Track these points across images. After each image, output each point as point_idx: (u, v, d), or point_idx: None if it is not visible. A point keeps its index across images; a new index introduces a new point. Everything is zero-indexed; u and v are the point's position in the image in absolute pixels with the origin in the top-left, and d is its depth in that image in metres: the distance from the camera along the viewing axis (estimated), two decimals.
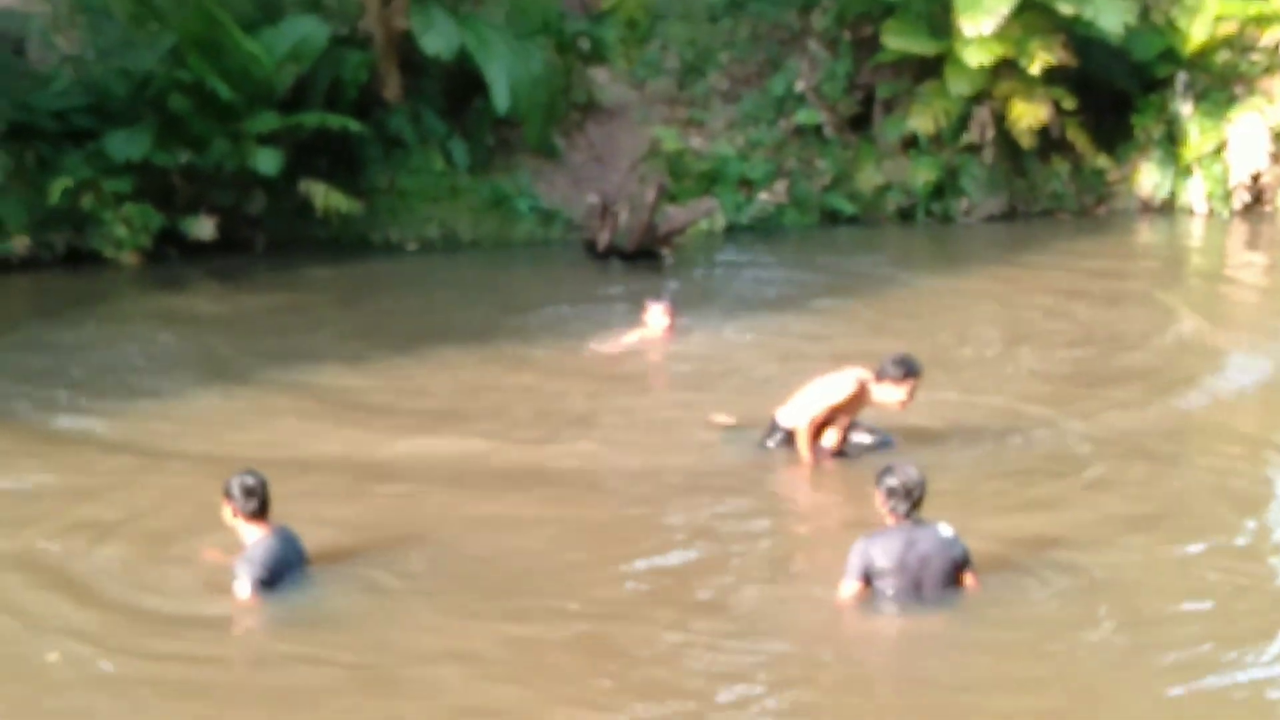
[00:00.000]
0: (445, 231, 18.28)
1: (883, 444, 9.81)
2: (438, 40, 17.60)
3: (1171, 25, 19.92)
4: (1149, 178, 20.17)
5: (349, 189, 17.67)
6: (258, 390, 11.72)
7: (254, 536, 7.67)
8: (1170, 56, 19.95)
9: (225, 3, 17.03)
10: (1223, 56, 20.07)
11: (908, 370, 9.35)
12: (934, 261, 17.98)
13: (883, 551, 7.42)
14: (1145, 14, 19.82)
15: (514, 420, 10.84)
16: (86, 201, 16.32)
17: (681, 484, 9.44)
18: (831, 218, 19.67)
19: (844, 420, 9.68)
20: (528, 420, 10.85)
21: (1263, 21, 19.81)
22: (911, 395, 9.41)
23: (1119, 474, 9.64)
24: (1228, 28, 19.82)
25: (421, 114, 18.56)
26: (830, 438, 9.70)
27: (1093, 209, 20.48)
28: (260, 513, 7.68)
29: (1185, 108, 19.84)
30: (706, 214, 18.30)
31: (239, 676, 7.01)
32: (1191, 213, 20.02)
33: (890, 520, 7.55)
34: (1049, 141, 19.84)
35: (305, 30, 17.50)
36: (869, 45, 20.17)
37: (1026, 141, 19.38)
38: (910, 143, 19.85)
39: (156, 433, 10.57)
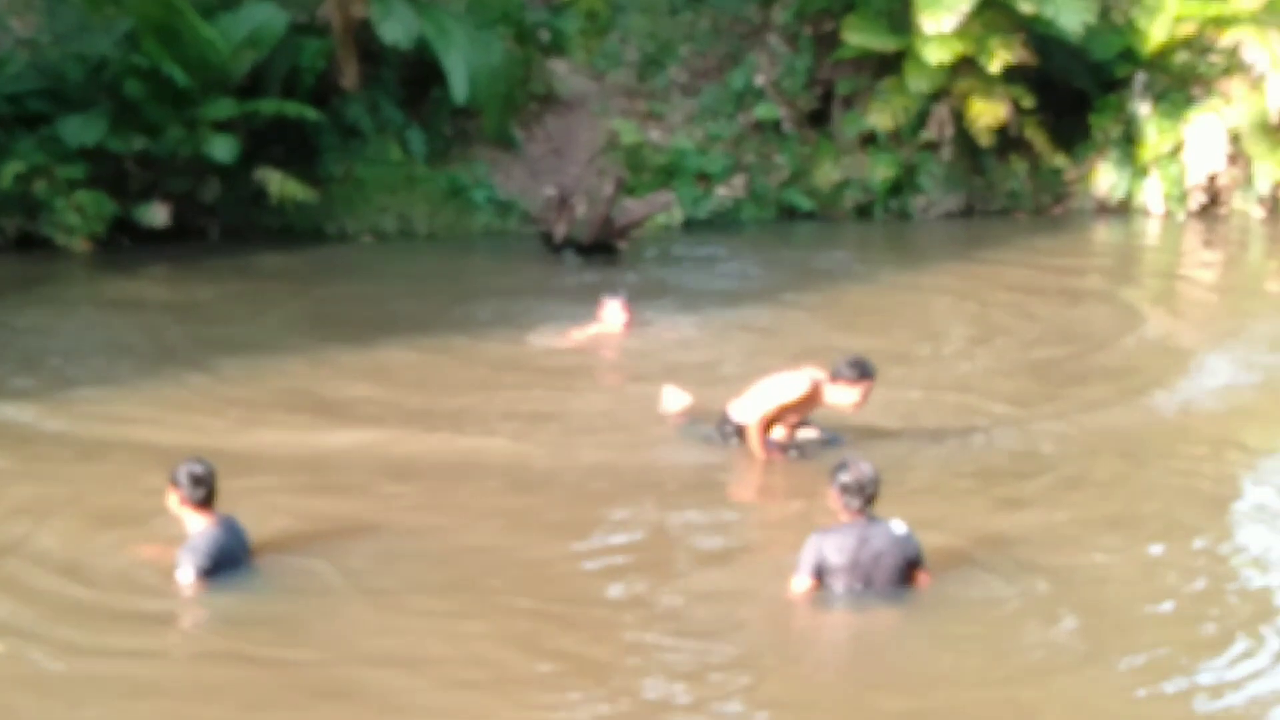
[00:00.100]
0: (401, 222, 18.13)
1: (831, 441, 9.75)
2: (396, 29, 17.46)
3: (1131, 25, 19.96)
4: (1106, 177, 20.20)
5: (305, 178, 17.50)
6: (204, 378, 11.58)
7: (199, 525, 7.61)
8: (1129, 56, 19.99)
9: None
10: (1181, 57, 20.12)
11: (862, 372, 9.30)
12: (892, 257, 17.97)
13: (836, 548, 7.38)
14: (1105, 14, 19.84)
15: (465, 413, 10.75)
16: (39, 188, 16.11)
17: (634, 479, 9.37)
18: (789, 213, 19.63)
19: (793, 418, 9.63)
20: (480, 413, 10.76)
21: (1221, 23, 19.86)
22: (865, 397, 9.36)
23: (1084, 473, 9.62)
24: (1187, 29, 19.87)
25: (379, 103, 18.42)
26: (778, 434, 9.64)
27: (1049, 208, 20.51)
28: (207, 501, 7.63)
29: (1143, 108, 19.88)
30: (664, 208, 18.22)
31: (178, 673, 6.86)
32: (1147, 213, 20.07)
33: (844, 516, 7.51)
34: (1007, 140, 19.85)
35: (263, 17, 17.31)
36: (829, 41, 20.13)
37: (985, 140, 19.39)
38: (869, 139, 19.83)
39: (97, 418, 10.42)
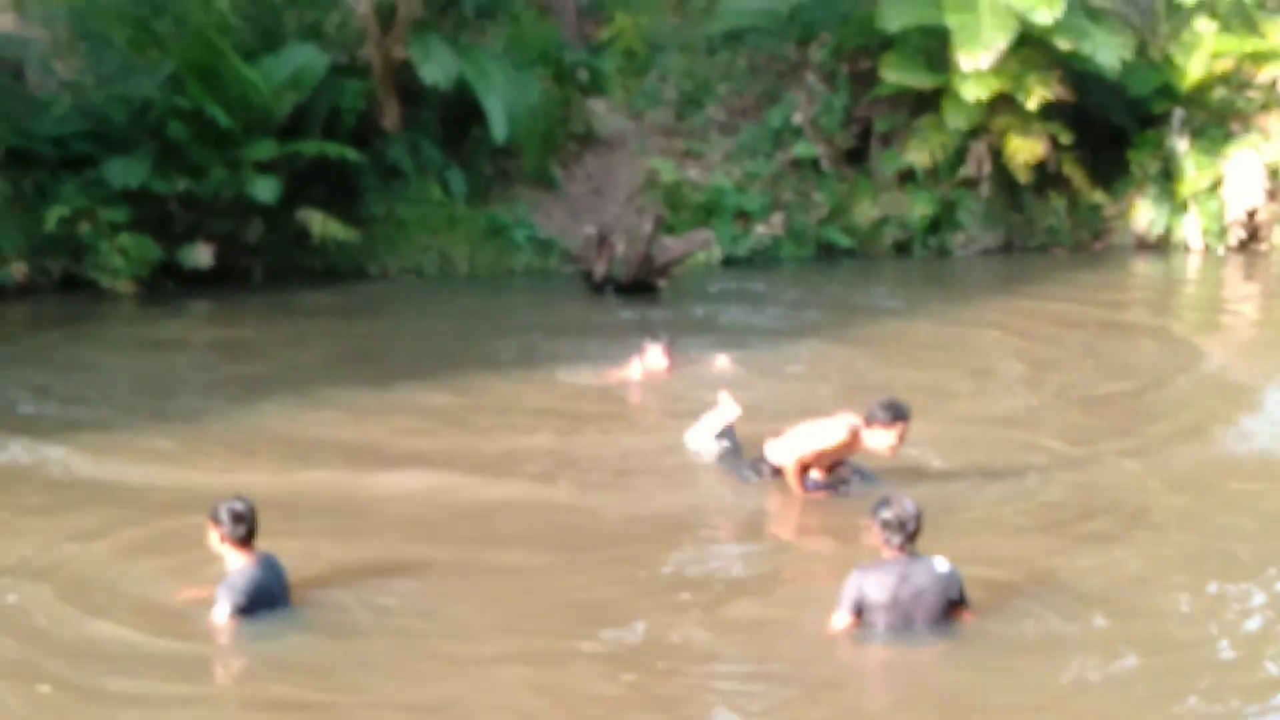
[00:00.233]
0: (443, 261, 18.26)
1: (867, 480, 9.72)
2: (436, 70, 17.67)
3: (1168, 61, 19.96)
4: (1145, 213, 20.18)
5: (346, 218, 17.67)
6: (248, 416, 11.63)
7: (238, 563, 7.57)
8: (1167, 92, 19.99)
9: (225, 30, 17.10)
10: (1219, 93, 20.12)
11: (896, 414, 9.28)
12: (933, 293, 17.94)
13: (876, 585, 7.35)
14: (1142, 50, 19.87)
15: (506, 456, 10.67)
16: (83, 231, 16.32)
17: (673, 520, 9.31)
18: (828, 251, 19.67)
19: (828, 461, 9.62)
20: (520, 455, 10.68)
21: (1259, 59, 19.86)
22: (901, 439, 9.33)
23: (1144, 510, 9.51)
24: (1224, 64, 19.87)
25: (419, 143, 18.57)
26: (814, 475, 9.64)
27: (1088, 244, 20.49)
28: (247, 539, 7.59)
29: (1181, 144, 19.86)
30: (703, 246, 18.28)
31: (206, 714, 6.80)
32: (1187, 249, 20.03)
33: (886, 553, 7.48)
34: (1045, 176, 19.87)
35: (304, 59, 17.53)
36: (866, 79, 20.20)
37: (1023, 176, 19.41)
38: (907, 176, 19.87)
39: (138, 456, 10.47)
